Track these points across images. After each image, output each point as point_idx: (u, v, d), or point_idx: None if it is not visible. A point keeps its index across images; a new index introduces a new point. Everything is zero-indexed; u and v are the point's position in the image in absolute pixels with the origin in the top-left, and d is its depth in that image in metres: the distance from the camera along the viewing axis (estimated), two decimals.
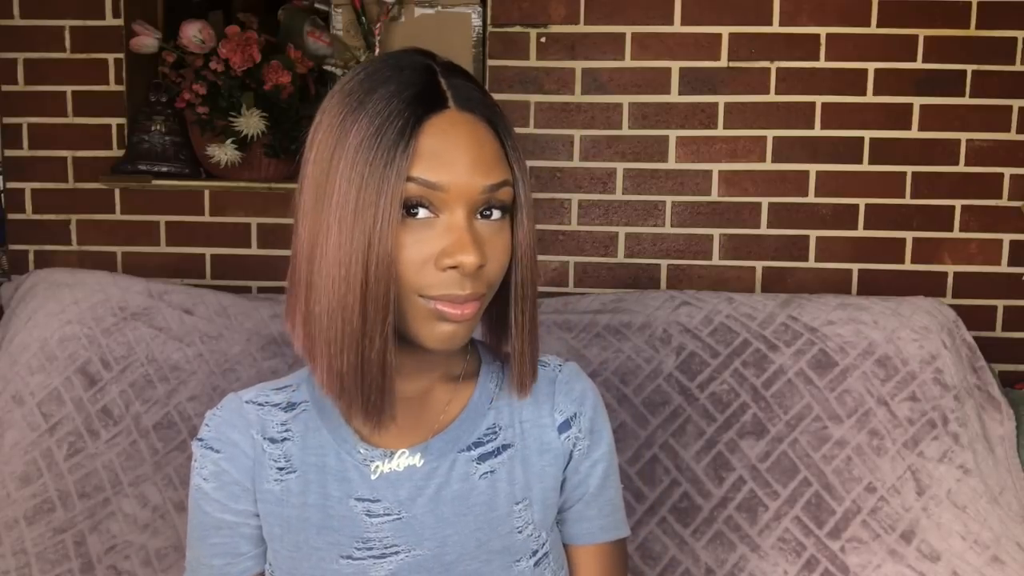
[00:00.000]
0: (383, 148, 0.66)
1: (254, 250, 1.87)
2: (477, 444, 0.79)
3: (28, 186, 1.87)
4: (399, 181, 0.65)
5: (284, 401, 0.80)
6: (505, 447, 0.80)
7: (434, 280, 0.68)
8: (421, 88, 0.69)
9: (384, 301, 0.67)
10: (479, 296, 0.70)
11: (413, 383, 0.78)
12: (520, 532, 0.78)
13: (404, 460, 0.76)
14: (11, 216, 1.88)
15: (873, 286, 1.81)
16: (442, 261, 0.67)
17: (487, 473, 0.78)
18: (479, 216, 0.70)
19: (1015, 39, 1.76)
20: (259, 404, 0.80)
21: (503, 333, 0.79)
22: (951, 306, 1.67)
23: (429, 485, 0.76)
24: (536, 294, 0.77)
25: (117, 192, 1.86)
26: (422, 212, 0.68)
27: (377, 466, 0.76)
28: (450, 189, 0.67)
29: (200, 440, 0.79)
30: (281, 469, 0.77)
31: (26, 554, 1.34)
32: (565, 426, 0.82)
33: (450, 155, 0.67)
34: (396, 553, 0.75)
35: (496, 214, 0.71)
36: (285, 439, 0.78)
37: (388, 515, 0.75)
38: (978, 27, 1.75)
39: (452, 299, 0.68)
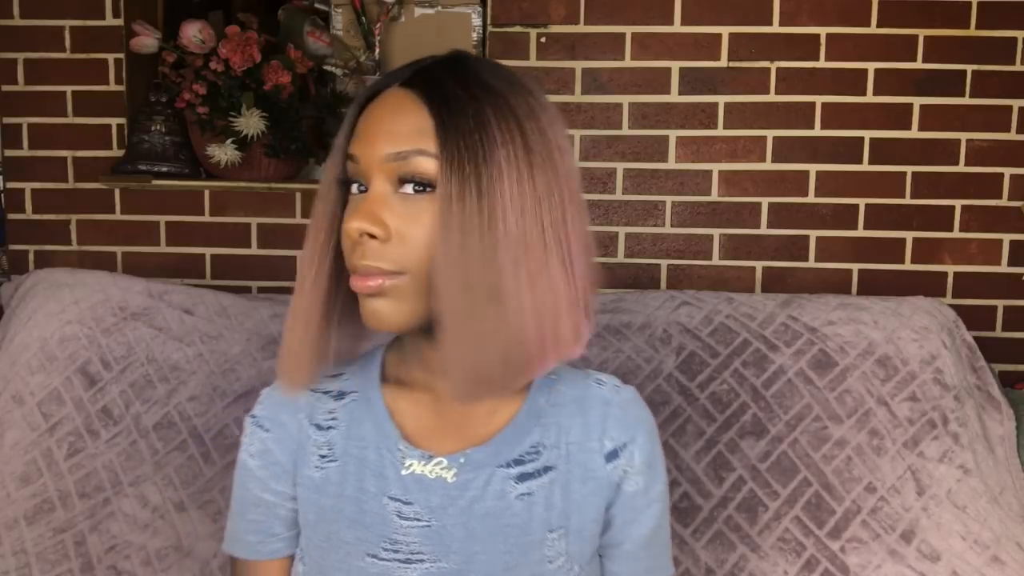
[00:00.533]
0: (344, 129, 0.72)
1: (254, 250, 1.87)
2: (518, 462, 0.75)
3: (28, 186, 1.87)
4: (340, 157, 0.71)
5: (335, 389, 0.80)
6: (547, 469, 0.76)
7: (347, 249, 0.69)
8: (389, 75, 0.71)
9: (322, 274, 0.73)
10: (380, 272, 0.66)
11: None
12: (551, 562, 0.75)
13: (439, 470, 0.74)
14: (11, 216, 1.88)
15: (873, 286, 1.81)
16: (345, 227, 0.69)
17: (524, 495, 0.74)
18: (399, 192, 0.68)
19: (1015, 39, 1.76)
20: (312, 390, 0.80)
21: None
22: (951, 306, 1.67)
23: (463, 497, 0.74)
24: (493, 289, 0.64)
25: (117, 192, 1.86)
26: (354, 187, 0.70)
27: (411, 464, 0.75)
28: (360, 159, 0.68)
29: (253, 416, 0.80)
30: (323, 457, 0.77)
31: (26, 554, 1.34)
32: (613, 455, 0.77)
33: (367, 128, 0.69)
34: (421, 561, 0.73)
35: (409, 188, 0.66)
36: (331, 427, 0.78)
37: (418, 520, 0.74)
38: (978, 27, 1.75)
39: (355, 270, 0.68)
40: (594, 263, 0.73)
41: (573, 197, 0.70)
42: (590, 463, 0.77)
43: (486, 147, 0.65)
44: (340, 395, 0.79)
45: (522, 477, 0.75)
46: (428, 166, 0.66)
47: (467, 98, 0.66)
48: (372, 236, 0.66)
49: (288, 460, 0.78)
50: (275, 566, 0.80)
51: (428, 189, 0.66)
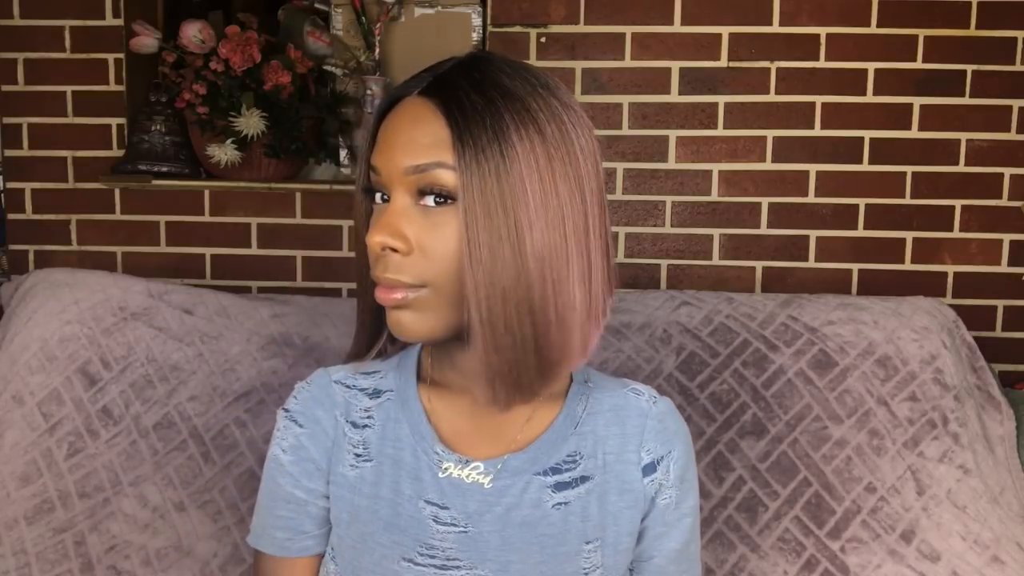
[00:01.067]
0: (367, 140, 0.72)
1: (254, 250, 1.87)
2: (555, 470, 0.74)
3: (28, 186, 1.87)
4: (364, 169, 0.71)
5: (371, 387, 0.79)
6: (584, 479, 0.75)
7: (372, 262, 0.70)
8: (408, 83, 0.70)
9: (362, 284, 0.76)
10: (401, 285, 0.66)
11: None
12: (587, 574, 0.74)
13: (476, 475, 0.73)
14: (11, 216, 1.88)
15: (873, 286, 1.81)
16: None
17: (561, 504, 0.74)
18: (419, 203, 0.67)
19: (1015, 39, 1.76)
20: (347, 386, 0.78)
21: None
22: (951, 306, 1.67)
23: (499, 503, 0.73)
24: (523, 303, 0.65)
25: (117, 192, 1.86)
26: (378, 197, 0.69)
27: (447, 467, 0.74)
28: (381, 171, 0.67)
29: (286, 411, 0.78)
30: (359, 456, 0.76)
31: (26, 554, 1.34)
32: (650, 468, 0.77)
33: (387, 139, 0.68)
34: (457, 567, 0.72)
35: (429, 200, 0.65)
36: (366, 426, 0.76)
37: (455, 525, 0.73)
38: (978, 27, 1.75)
39: (378, 281, 0.68)
40: (613, 265, 0.72)
41: (595, 199, 0.69)
42: (627, 475, 0.76)
43: (506, 158, 0.64)
44: (376, 393, 0.78)
45: (559, 486, 0.74)
46: (448, 178, 0.64)
47: (484, 105, 0.65)
48: (394, 250, 0.66)
49: (322, 457, 0.77)
50: (303, 563, 0.79)
51: (449, 201, 0.65)
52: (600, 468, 0.76)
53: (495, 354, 0.66)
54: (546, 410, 0.77)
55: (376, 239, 0.65)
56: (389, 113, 0.70)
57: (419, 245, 0.66)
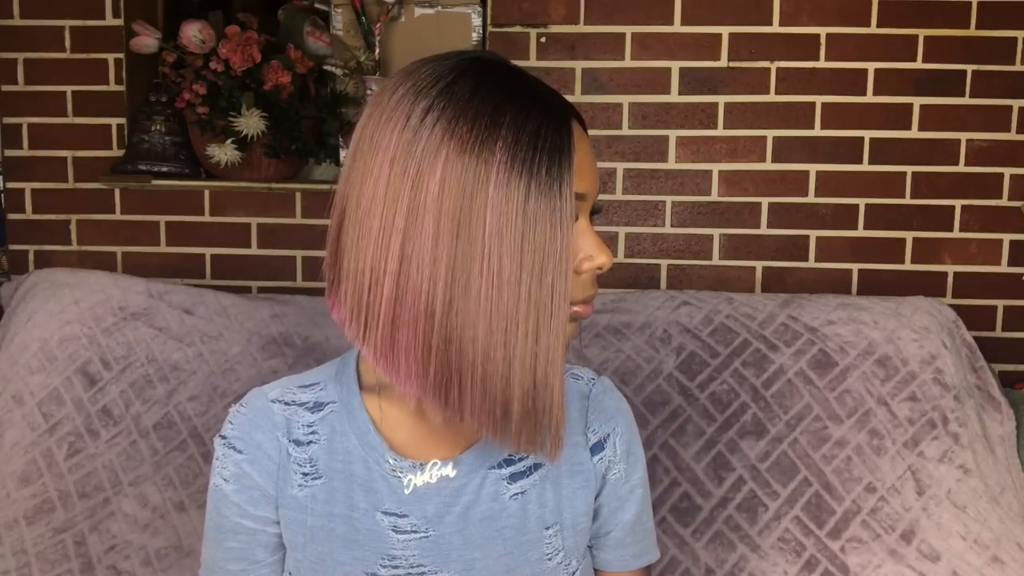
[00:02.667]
0: (545, 164, 0.63)
1: (254, 250, 1.87)
2: (508, 461, 0.75)
3: (28, 186, 1.87)
4: (569, 195, 0.63)
5: (311, 400, 0.76)
6: (536, 466, 0.76)
7: (577, 284, 0.68)
8: (550, 95, 0.68)
9: (560, 318, 0.64)
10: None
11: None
12: (550, 560, 0.75)
13: (437, 471, 0.73)
14: (11, 216, 1.88)
15: (873, 286, 1.81)
16: (584, 265, 0.68)
17: (517, 494, 0.75)
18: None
19: (1015, 39, 1.76)
20: (285, 403, 0.75)
21: None
22: (951, 306, 1.67)
23: (457, 503, 0.73)
24: None
25: (117, 192, 1.86)
26: (582, 220, 0.70)
27: (410, 480, 0.72)
28: (588, 197, 0.69)
29: (223, 438, 0.75)
30: (306, 475, 0.73)
31: (26, 554, 1.34)
32: (598, 447, 0.79)
33: (587, 164, 0.68)
34: (422, 574, 0.72)
35: (598, 216, 0.72)
36: (311, 442, 0.74)
37: (415, 532, 0.72)
38: (978, 27, 1.75)
39: (588, 300, 0.70)
40: None
41: None
42: (576, 457, 0.78)
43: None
44: (317, 407, 0.75)
45: (514, 477, 0.75)
46: None
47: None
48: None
49: (268, 483, 0.73)
50: None
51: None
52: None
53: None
54: None
55: (610, 258, 0.69)
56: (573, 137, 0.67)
57: None
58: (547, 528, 0.75)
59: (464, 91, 0.64)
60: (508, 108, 0.63)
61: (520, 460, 0.76)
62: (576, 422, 0.79)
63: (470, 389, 0.63)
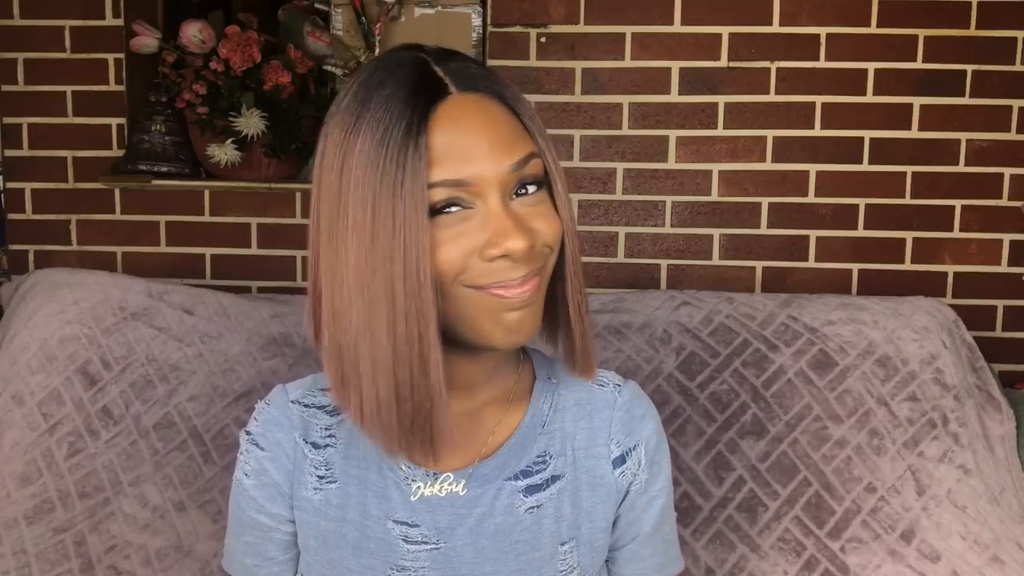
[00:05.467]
0: (392, 154, 0.61)
1: (254, 250, 1.87)
2: (525, 473, 0.73)
3: (28, 186, 1.87)
4: (416, 185, 0.61)
5: (331, 404, 0.75)
6: (555, 478, 0.73)
7: (483, 270, 0.63)
8: (417, 82, 0.64)
9: (418, 316, 0.62)
10: (537, 270, 0.66)
11: (461, 402, 0.73)
12: None
13: (447, 486, 0.71)
14: (11, 216, 1.88)
15: (873, 286, 1.81)
16: (488, 252, 0.63)
17: (533, 508, 0.72)
18: (514, 196, 0.65)
19: (1015, 39, 1.76)
20: (304, 405, 0.75)
21: (554, 317, 0.72)
22: (951, 306, 1.67)
23: (471, 515, 0.71)
24: (581, 268, 0.71)
25: (117, 192, 1.86)
26: (454, 208, 0.63)
27: (418, 488, 0.71)
28: (476, 181, 0.63)
29: (248, 434, 0.76)
30: (321, 478, 0.73)
31: (26, 554, 1.34)
32: (620, 460, 0.75)
33: (466, 145, 0.63)
34: None
35: (531, 189, 0.66)
36: (328, 445, 0.73)
37: (426, 543, 0.71)
38: (978, 27, 1.75)
39: (505, 283, 0.64)
40: None
41: None
42: (598, 469, 0.75)
43: (546, 132, 0.69)
44: (336, 411, 0.75)
45: (530, 489, 0.72)
46: (538, 165, 0.67)
47: (516, 91, 0.69)
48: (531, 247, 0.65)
49: (284, 481, 0.74)
50: None
51: (542, 186, 0.67)
52: (570, 465, 0.74)
53: (581, 317, 0.70)
54: (514, 412, 0.75)
55: (521, 244, 0.62)
56: (433, 119, 0.63)
57: (538, 233, 0.67)
58: (562, 544, 0.73)
59: (350, 89, 0.67)
60: (371, 102, 0.64)
61: (538, 472, 0.73)
62: (600, 432, 0.75)
63: (353, 382, 0.65)
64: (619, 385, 0.78)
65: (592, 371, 0.73)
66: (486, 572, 0.71)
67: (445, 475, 0.72)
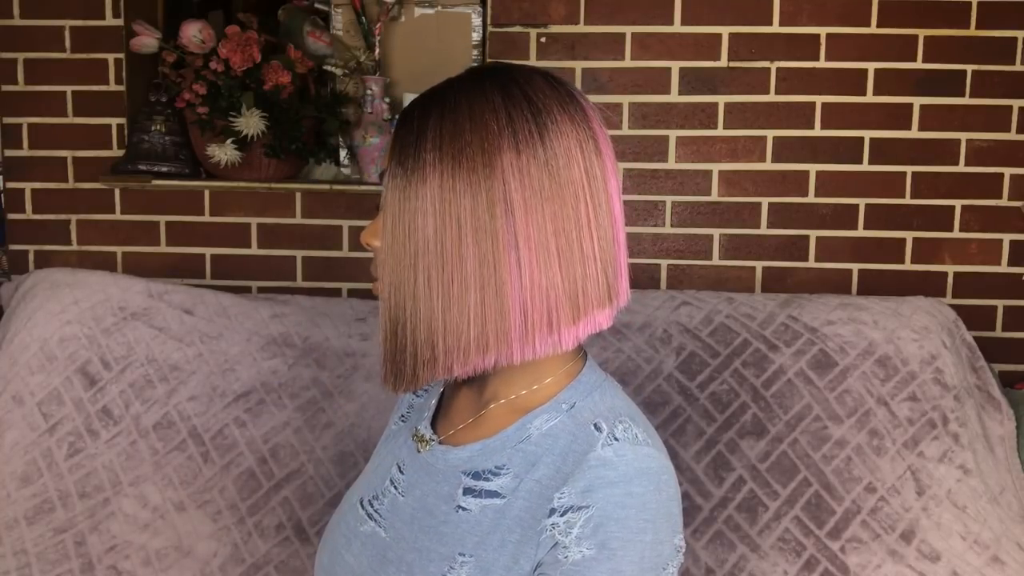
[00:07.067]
0: None
1: (254, 250, 1.87)
2: (476, 475, 0.72)
3: (28, 186, 1.87)
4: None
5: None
6: (493, 494, 0.70)
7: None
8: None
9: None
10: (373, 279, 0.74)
11: (474, 398, 0.79)
12: None
13: (428, 453, 0.78)
14: (11, 216, 1.88)
15: (873, 286, 1.81)
16: None
17: (460, 508, 0.71)
18: None
19: (1015, 39, 1.76)
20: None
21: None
22: (951, 306, 1.67)
23: (425, 483, 0.76)
24: (409, 292, 0.68)
25: (117, 192, 1.86)
26: None
27: (415, 445, 0.81)
28: None
29: None
30: (402, 417, 0.88)
31: (26, 554, 1.34)
32: (553, 512, 0.66)
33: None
34: (376, 521, 0.78)
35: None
36: (419, 397, 0.88)
37: (396, 488, 0.79)
38: (978, 27, 1.75)
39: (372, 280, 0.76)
40: (598, 273, 0.71)
41: (543, 208, 0.66)
42: (536, 508, 0.67)
43: (417, 168, 0.67)
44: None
45: (467, 491, 0.72)
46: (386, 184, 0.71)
47: (420, 117, 0.69)
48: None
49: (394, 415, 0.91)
50: None
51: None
52: (514, 491, 0.69)
53: (385, 341, 0.72)
54: (514, 416, 0.74)
55: (363, 239, 0.75)
56: None
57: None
58: (461, 554, 0.69)
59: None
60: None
61: (485, 480, 0.71)
62: (560, 476, 0.67)
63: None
64: (611, 441, 0.67)
65: (389, 385, 0.73)
66: (402, 536, 0.74)
67: (433, 438, 0.79)
